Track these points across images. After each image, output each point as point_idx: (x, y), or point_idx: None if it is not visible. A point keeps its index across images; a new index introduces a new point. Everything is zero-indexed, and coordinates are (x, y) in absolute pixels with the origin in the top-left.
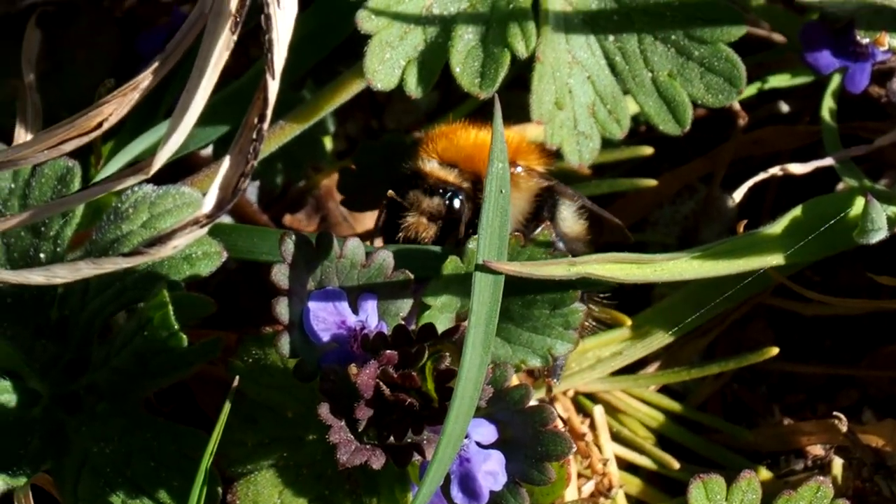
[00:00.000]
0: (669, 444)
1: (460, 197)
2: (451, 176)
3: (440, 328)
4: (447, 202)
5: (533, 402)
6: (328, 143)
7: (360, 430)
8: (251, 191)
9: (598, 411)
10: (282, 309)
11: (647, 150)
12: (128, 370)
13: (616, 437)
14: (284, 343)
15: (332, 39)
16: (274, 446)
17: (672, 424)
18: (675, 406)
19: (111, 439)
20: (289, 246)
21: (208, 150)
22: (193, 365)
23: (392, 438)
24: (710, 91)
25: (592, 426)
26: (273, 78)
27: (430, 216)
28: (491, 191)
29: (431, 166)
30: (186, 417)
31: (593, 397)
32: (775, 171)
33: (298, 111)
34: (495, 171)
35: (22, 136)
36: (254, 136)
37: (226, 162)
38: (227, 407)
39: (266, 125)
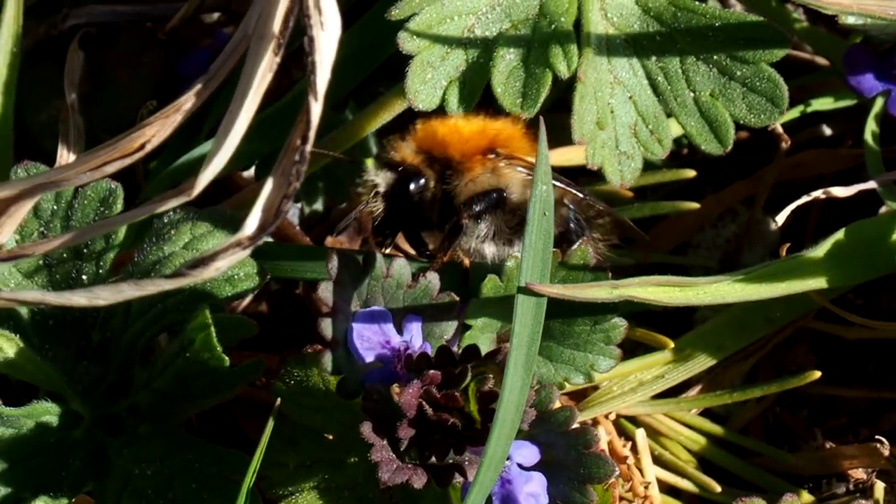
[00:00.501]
0: (711, 467)
1: (418, 179)
2: (417, 159)
3: (483, 348)
4: (399, 179)
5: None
6: (370, 164)
7: (401, 449)
8: (293, 212)
9: (640, 434)
10: (326, 326)
11: (690, 173)
12: (170, 392)
13: (658, 461)
14: (327, 360)
15: (373, 60)
16: (315, 468)
17: (714, 448)
18: (716, 429)
19: (153, 461)
20: (334, 263)
21: (250, 172)
22: (235, 387)
23: (434, 458)
24: (752, 111)
25: (634, 449)
26: (316, 100)
27: (382, 194)
28: (534, 213)
29: (403, 152)
30: (228, 439)
31: (635, 420)
32: (818, 194)
33: (340, 132)
34: (539, 193)
35: (64, 157)
36: (296, 157)
37: (268, 183)
38: (268, 429)
39: (309, 147)
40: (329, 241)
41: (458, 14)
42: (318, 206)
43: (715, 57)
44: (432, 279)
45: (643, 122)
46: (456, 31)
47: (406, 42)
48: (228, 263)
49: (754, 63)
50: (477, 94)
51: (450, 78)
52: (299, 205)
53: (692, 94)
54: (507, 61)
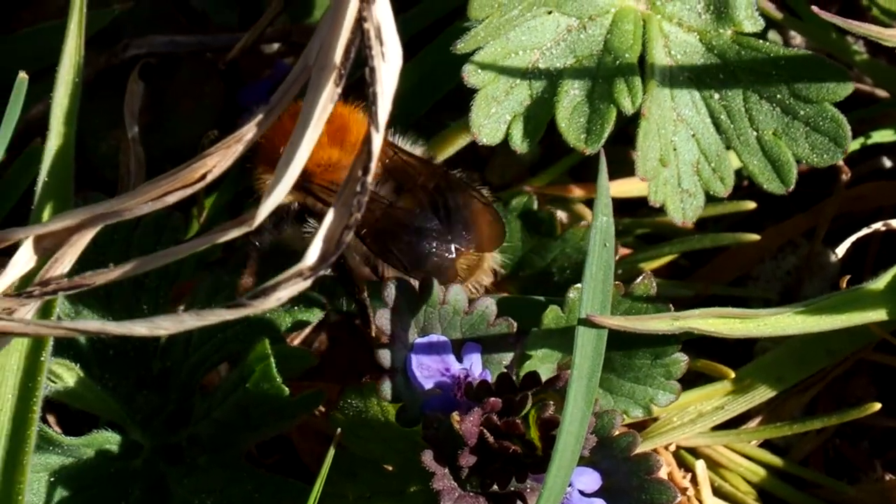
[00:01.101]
0: (771, 499)
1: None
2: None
3: (542, 376)
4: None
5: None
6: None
7: (463, 477)
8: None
9: (700, 466)
10: (384, 355)
11: (750, 205)
12: (229, 422)
13: (717, 492)
14: (387, 388)
15: (435, 93)
16: (374, 500)
17: (774, 479)
18: (776, 461)
19: (213, 491)
20: (391, 291)
21: None
22: (295, 417)
23: (495, 486)
24: (814, 151)
25: (694, 481)
26: (377, 131)
27: None
28: (594, 245)
29: None
30: (287, 470)
31: (695, 452)
32: (878, 226)
33: None
34: (599, 225)
35: (125, 187)
36: (358, 188)
37: (329, 214)
38: (328, 460)
39: (370, 178)
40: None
41: (523, 49)
42: None
43: (778, 95)
44: (489, 305)
45: (706, 159)
46: (521, 66)
47: (471, 76)
48: (289, 294)
49: (817, 102)
50: (541, 129)
51: (514, 112)
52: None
53: (755, 133)
54: (571, 96)
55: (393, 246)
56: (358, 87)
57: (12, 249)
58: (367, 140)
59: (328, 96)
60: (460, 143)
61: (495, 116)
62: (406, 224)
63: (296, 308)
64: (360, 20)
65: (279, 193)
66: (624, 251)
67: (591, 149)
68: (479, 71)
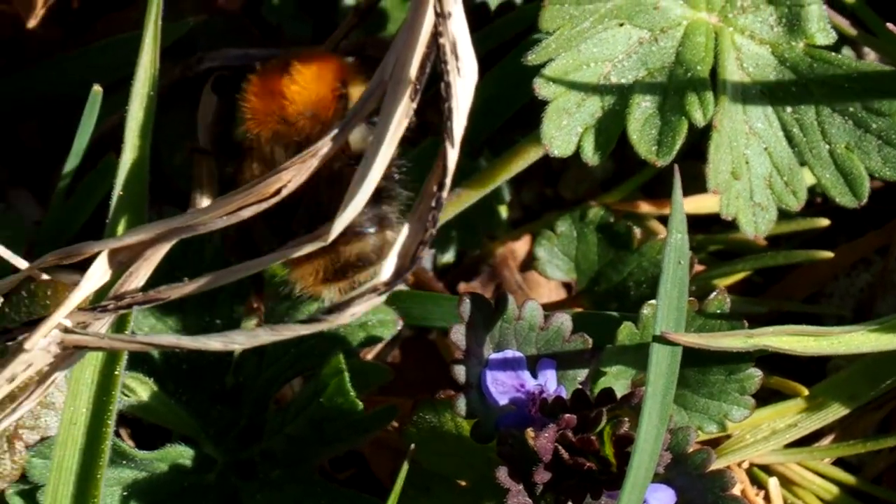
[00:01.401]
0: None
1: None
2: None
3: (617, 392)
4: None
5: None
6: (503, 211)
7: (537, 494)
8: (426, 258)
9: (773, 483)
10: (459, 370)
11: (823, 222)
12: (303, 437)
13: None
14: (461, 404)
15: (509, 107)
16: None
17: (847, 497)
18: (849, 479)
19: None
20: (467, 306)
21: None
22: (369, 432)
23: (570, 503)
24: (887, 164)
25: (767, 498)
26: (452, 146)
27: None
28: (669, 262)
29: None
30: (361, 485)
31: (768, 469)
32: None
33: (475, 179)
34: (674, 241)
35: (198, 200)
36: (433, 204)
37: (405, 230)
38: (402, 475)
39: (445, 193)
40: (462, 287)
41: (595, 61)
42: (451, 255)
43: (850, 108)
44: (564, 321)
45: (778, 173)
46: (592, 78)
47: (542, 88)
48: (364, 309)
49: (890, 115)
50: (613, 142)
51: (585, 125)
52: (432, 251)
53: (827, 146)
54: (642, 109)
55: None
56: (432, 102)
57: (87, 263)
58: (443, 156)
59: (403, 111)
60: (532, 156)
61: (567, 129)
62: None
63: (369, 322)
64: (435, 35)
65: (354, 209)
66: (698, 268)
67: (662, 161)
68: (551, 83)
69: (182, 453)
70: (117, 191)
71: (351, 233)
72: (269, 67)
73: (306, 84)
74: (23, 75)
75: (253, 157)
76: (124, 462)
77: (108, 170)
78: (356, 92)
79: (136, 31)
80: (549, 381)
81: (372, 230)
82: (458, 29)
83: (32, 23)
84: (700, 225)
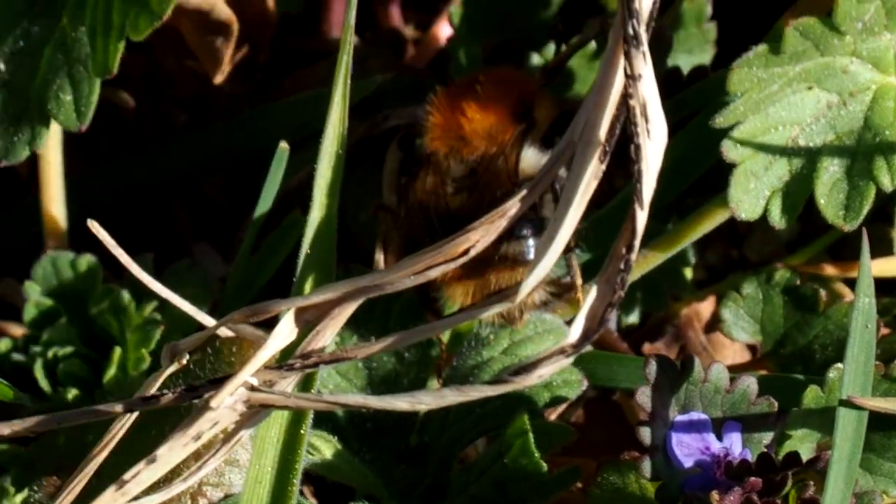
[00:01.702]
0: None
1: None
2: None
3: (802, 456)
4: None
5: None
6: (689, 272)
7: None
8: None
9: None
10: (645, 432)
11: None
12: (487, 497)
13: None
14: (646, 466)
15: (696, 169)
16: None
17: None
18: None
19: None
20: (653, 368)
21: None
22: (553, 494)
23: None
24: None
25: None
26: (642, 208)
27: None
28: (856, 326)
29: None
30: None
31: None
32: None
33: (661, 241)
34: (861, 305)
35: (384, 259)
36: (621, 266)
37: (592, 291)
38: None
39: (634, 256)
40: (646, 348)
41: (783, 124)
42: (636, 316)
43: None
44: (750, 384)
45: None
46: (780, 141)
47: (730, 151)
48: (551, 371)
49: None
50: (800, 205)
51: (773, 188)
52: (617, 312)
53: None
54: (830, 173)
55: None
56: (619, 164)
57: (272, 320)
58: (632, 218)
59: (592, 173)
60: (719, 219)
61: (754, 192)
62: None
63: (554, 383)
64: (625, 97)
65: (543, 269)
66: (883, 331)
67: (849, 226)
68: (739, 146)
69: None
70: (305, 248)
71: (508, 262)
72: (458, 83)
73: (487, 103)
74: (209, 131)
75: (429, 170)
76: None
77: (294, 227)
78: (542, 115)
79: (324, 89)
80: (734, 444)
81: (529, 261)
82: (649, 91)
83: (219, 79)
84: (886, 288)
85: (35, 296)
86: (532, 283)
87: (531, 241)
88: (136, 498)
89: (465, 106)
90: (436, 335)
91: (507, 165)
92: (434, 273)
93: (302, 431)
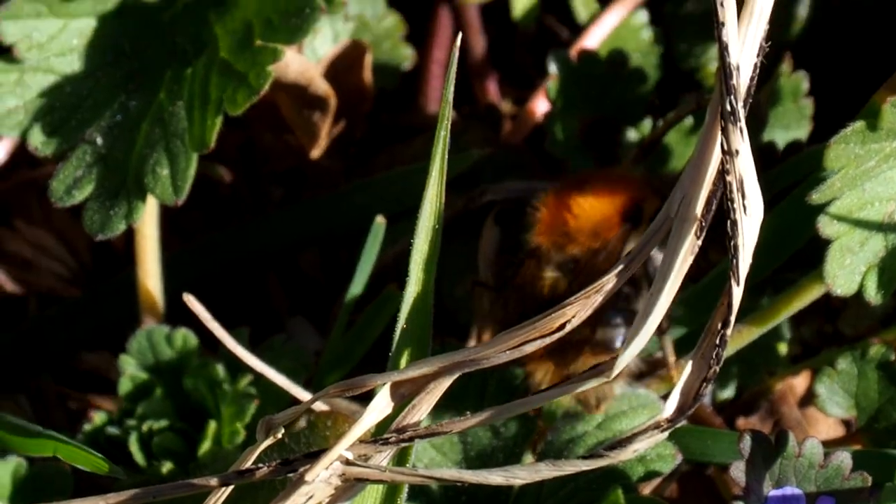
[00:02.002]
0: None
1: None
2: None
3: None
4: None
5: None
6: (783, 347)
7: None
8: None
9: None
10: None
11: None
12: None
13: None
14: None
15: (791, 245)
16: None
17: None
18: None
19: None
20: (747, 443)
21: None
22: None
23: None
24: None
25: None
26: (738, 284)
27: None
28: None
29: None
30: None
31: None
32: None
33: (756, 316)
34: None
35: (480, 333)
36: (717, 341)
37: (688, 366)
38: None
39: (730, 331)
40: (740, 423)
41: (879, 199)
42: (730, 390)
43: None
44: (844, 459)
45: None
46: (876, 217)
47: (826, 227)
48: (646, 446)
49: None
50: (895, 282)
51: (869, 264)
52: (712, 385)
53: None
54: None
55: None
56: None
57: (368, 395)
58: (728, 293)
59: (689, 248)
60: (814, 294)
61: (850, 268)
62: None
63: (648, 457)
64: (722, 172)
65: (638, 345)
66: None
67: None
68: (834, 221)
69: None
70: (401, 323)
71: (596, 348)
72: (567, 182)
73: (594, 201)
74: (305, 205)
75: (532, 263)
76: None
77: (390, 301)
78: (651, 216)
79: (420, 164)
80: None
81: (618, 346)
82: (745, 166)
83: (315, 153)
84: None
85: (130, 369)
86: (627, 358)
87: (622, 329)
88: None
89: (572, 203)
90: (531, 410)
91: (608, 263)
92: (529, 348)
93: None
